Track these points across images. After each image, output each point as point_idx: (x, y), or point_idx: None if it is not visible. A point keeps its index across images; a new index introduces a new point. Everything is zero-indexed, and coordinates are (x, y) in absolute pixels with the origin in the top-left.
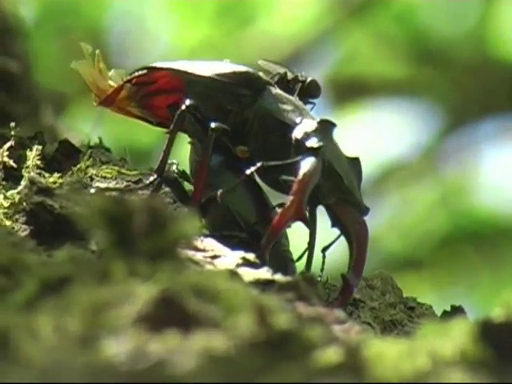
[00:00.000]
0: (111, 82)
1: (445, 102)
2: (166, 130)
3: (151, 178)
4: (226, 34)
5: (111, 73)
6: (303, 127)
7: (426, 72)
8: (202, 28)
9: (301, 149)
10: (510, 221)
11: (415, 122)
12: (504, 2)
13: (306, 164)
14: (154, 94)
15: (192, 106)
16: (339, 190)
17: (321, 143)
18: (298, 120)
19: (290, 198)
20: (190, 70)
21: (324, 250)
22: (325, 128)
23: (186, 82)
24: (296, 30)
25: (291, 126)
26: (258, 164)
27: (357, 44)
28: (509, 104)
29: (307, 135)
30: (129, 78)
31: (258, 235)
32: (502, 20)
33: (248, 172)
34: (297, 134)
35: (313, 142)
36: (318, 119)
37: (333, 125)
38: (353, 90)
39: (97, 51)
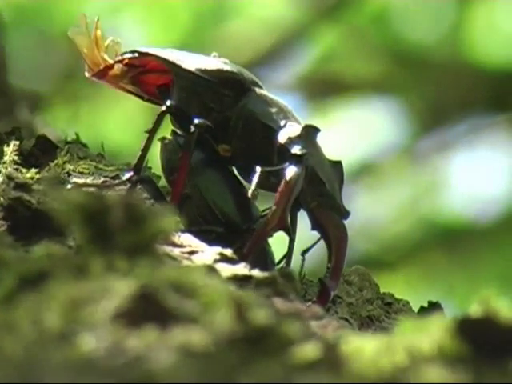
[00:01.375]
0: (105, 56)
1: (419, 103)
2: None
3: (128, 175)
4: (201, 33)
5: (108, 42)
6: (287, 132)
7: (401, 72)
8: (177, 30)
9: (284, 154)
10: (482, 222)
11: (389, 122)
12: (479, 4)
13: (289, 173)
14: (145, 73)
15: (172, 106)
16: (321, 194)
17: (304, 150)
18: (282, 123)
19: (273, 208)
20: (177, 63)
21: (303, 253)
22: (308, 133)
23: (174, 74)
24: (271, 29)
25: (275, 130)
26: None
27: (332, 43)
28: (482, 105)
29: (291, 140)
30: (119, 58)
31: (234, 229)
32: (476, 22)
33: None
34: (280, 138)
35: (296, 149)
36: (302, 124)
37: (316, 129)
38: (328, 89)
39: (96, 18)
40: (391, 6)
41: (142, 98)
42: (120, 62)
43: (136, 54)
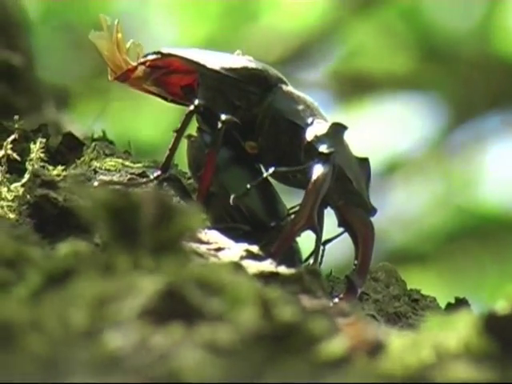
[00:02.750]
0: (127, 58)
1: (450, 97)
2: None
3: (155, 174)
4: (231, 30)
5: (128, 45)
6: (314, 130)
7: (432, 67)
8: (206, 25)
9: (312, 153)
10: None
11: (421, 116)
12: None
13: (317, 172)
14: (169, 73)
15: (200, 105)
16: (348, 192)
17: (332, 149)
18: (309, 121)
19: (301, 207)
20: (201, 62)
21: (325, 243)
22: (336, 131)
23: (199, 74)
24: (301, 25)
25: (302, 127)
26: (270, 170)
27: (362, 39)
28: None
29: (318, 139)
30: (142, 60)
31: (261, 227)
32: (507, 15)
33: (263, 175)
34: (308, 136)
35: (324, 147)
36: (330, 122)
37: (344, 127)
38: (358, 85)
39: (116, 21)
40: (421, 2)
41: (165, 99)
42: (143, 63)
43: (159, 56)
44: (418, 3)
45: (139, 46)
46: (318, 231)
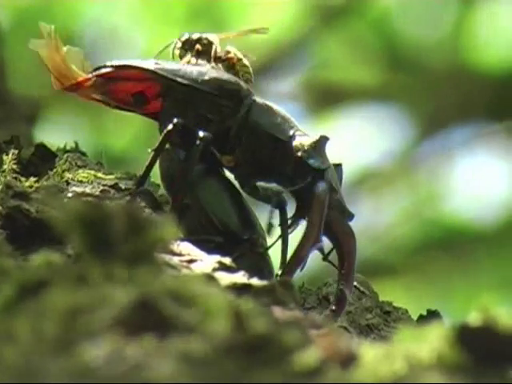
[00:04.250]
0: (71, 65)
1: (419, 109)
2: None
3: (130, 191)
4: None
5: (66, 50)
6: (301, 144)
7: (401, 78)
8: (175, 33)
9: (304, 168)
10: (482, 227)
11: (389, 128)
12: (479, 9)
13: (319, 191)
14: (120, 81)
15: (179, 124)
16: (334, 202)
17: (326, 164)
18: (290, 133)
19: (309, 227)
20: (169, 76)
21: (325, 257)
22: (321, 143)
23: (166, 86)
24: (270, 36)
25: (284, 141)
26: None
27: (332, 50)
28: (482, 111)
29: (308, 154)
30: (99, 73)
31: (234, 239)
32: (476, 27)
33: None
34: (296, 151)
35: (318, 163)
36: (315, 135)
37: (327, 139)
38: (327, 96)
39: (52, 27)
40: (390, 13)
41: (108, 104)
42: (100, 75)
43: (117, 68)
44: (386, 15)
45: (79, 52)
46: (324, 250)
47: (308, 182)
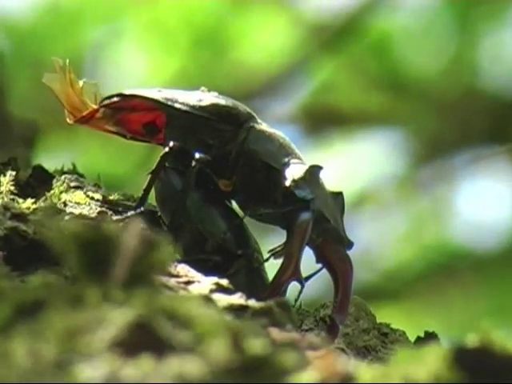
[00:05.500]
0: (84, 99)
1: (420, 133)
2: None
3: (128, 213)
4: (200, 65)
5: (82, 84)
6: (291, 173)
7: (401, 103)
8: (176, 60)
9: (291, 198)
10: (483, 251)
11: (390, 152)
12: (479, 34)
13: (300, 221)
14: (130, 112)
15: (175, 147)
16: (326, 230)
17: (311, 196)
18: (284, 161)
19: (286, 258)
20: (169, 103)
21: (305, 280)
22: (313, 172)
23: (167, 114)
24: (270, 60)
25: (277, 169)
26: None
27: (331, 74)
28: (484, 135)
29: (296, 184)
30: (105, 103)
31: (229, 256)
32: (477, 52)
33: (241, 218)
34: (285, 181)
35: (303, 194)
36: (306, 164)
37: (320, 168)
38: (327, 120)
39: (67, 61)
40: (391, 37)
41: (124, 136)
42: (105, 106)
43: (121, 97)
44: (387, 39)
45: (94, 85)
46: (304, 283)
47: (291, 211)
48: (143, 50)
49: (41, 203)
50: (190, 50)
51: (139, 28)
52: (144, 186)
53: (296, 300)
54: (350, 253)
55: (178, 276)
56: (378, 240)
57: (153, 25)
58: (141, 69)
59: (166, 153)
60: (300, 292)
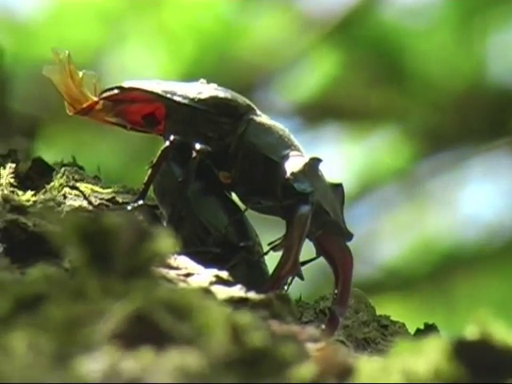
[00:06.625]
0: (84, 90)
1: (419, 127)
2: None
3: (129, 207)
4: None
5: (82, 75)
6: (291, 166)
7: (402, 97)
8: (181, 65)
9: (290, 191)
10: (482, 246)
11: (388, 146)
12: (484, 29)
13: (299, 215)
14: (130, 104)
15: (176, 140)
16: (325, 222)
17: (310, 189)
18: (283, 154)
19: (285, 252)
20: (168, 96)
21: (301, 264)
22: (312, 165)
23: (166, 107)
24: (269, 55)
25: (277, 162)
26: (248, 205)
27: (332, 68)
28: (484, 130)
29: (295, 177)
30: (104, 96)
31: (230, 248)
32: (482, 47)
33: (242, 212)
34: (284, 173)
35: (303, 186)
36: (306, 157)
37: (319, 160)
38: (327, 114)
39: (66, 53)
40: (393, 32)
41: (124, 127)
42: (105, 98)
43: (121, 90)
44: (389, 33)
45: (94, 76)
46: (303, 277)
47: (291, 204)
48: (148, 55)
49: (41, 196)
50: (196, 55)
51: (144, 32)
52: (144, 180)
53: (288, 284)
54: (349, 244)
55: (177, 268)
56: (376, 233)
57: (158, 29)
58: (145, 73)
59: (167, 147)
60: (292, 278)
